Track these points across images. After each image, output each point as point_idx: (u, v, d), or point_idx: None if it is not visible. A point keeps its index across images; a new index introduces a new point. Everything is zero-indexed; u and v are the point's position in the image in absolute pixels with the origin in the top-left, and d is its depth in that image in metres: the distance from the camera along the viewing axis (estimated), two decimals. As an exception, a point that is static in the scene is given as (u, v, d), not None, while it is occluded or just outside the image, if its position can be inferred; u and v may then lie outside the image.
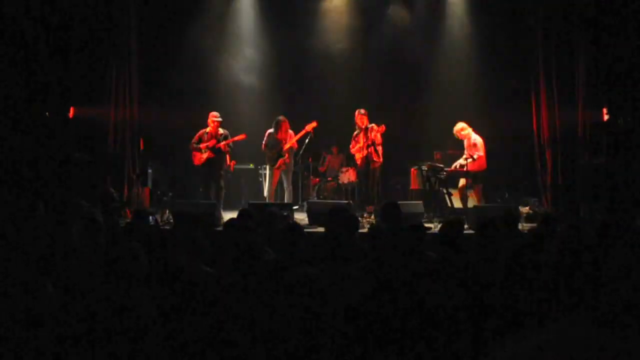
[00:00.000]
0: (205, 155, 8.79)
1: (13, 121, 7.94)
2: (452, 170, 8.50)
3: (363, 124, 8.70)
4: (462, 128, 8.56)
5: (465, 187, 8.55)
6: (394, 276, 2.66)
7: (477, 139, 8.48)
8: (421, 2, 10.93)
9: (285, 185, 9.17)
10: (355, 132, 8.89)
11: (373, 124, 8.67)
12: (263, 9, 11.03)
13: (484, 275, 3.69)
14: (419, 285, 2.71)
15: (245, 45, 10.99)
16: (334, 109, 10.47)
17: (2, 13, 7.78)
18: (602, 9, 8.48)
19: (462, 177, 8.54)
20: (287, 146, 8.95)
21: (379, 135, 8.62)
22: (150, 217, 6.62)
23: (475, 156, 8.35)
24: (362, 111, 8.76)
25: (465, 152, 8.54)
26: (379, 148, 8.67)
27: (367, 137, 8.59)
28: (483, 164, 8.44)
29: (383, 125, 8.57)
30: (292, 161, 9.23)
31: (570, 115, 8.92)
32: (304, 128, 9.02)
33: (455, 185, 8.70)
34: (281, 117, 9.00)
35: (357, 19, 10.99)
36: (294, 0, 10.99)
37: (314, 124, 8.95)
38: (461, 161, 8.54)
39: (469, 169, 8.40)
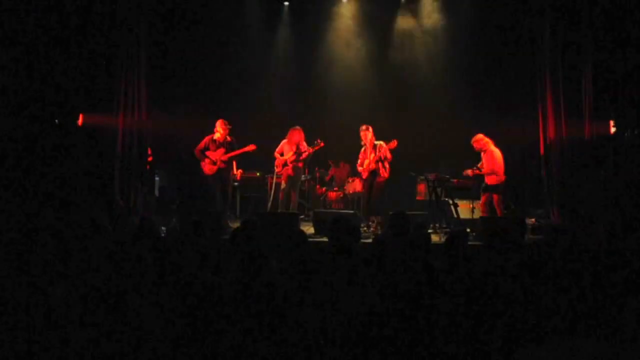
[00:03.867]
0: (216, 166, 8.85)
1: (22, 128, 8.00)
2: (466, 175, 8.52)
3: (367, 139, 8.68)
4: (480, 138, 8.57)
5: (486, 200, 8.51)
6: (399, 286, 2.66)
7: (495, 151, 8.49)
8: (428, 12, 10.97)
9: (290, 194, 9.21)
10: (362, 150, 8.86)
11: (381, 142, 8.65)
12: (271, 18, 11.11)
13: (489, 287, 3.68)
14: (424, 296, 2.71)
15: (254, 54, 11.06)
16: (340, 120, 10.54)
17: (13, 20, 7.86)
18: (611, 18, 8.47)
19: (481, 190, 8.55)
20: (286, 158, 9.00)
21: (389, 152, 8.60)
22: (160, 227, 6.66)
23: (495, 169, 8.40)
24: (363, 127, 8.73)
25: (482, 161, 8.55)
26: (387, 164, 8.67)
27: (376, 154, 8.57)
28: (502, 176, 8.44)
29: (395, 141, 8.55)
30: (300, 172, 9.24)
31: (577, 127, 8.88)
32: (315, 143, 9.05)
33: (463, 196, 8.72)
34: (295, 127, 9.07)
35: (365, 29, 11.05)
36: (303, 9, 11.05)
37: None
38: (469, 171, 8.55)
39: (487, 182, 8.42)
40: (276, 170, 9.17)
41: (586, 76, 8.77)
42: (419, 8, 11.04)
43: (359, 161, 8.92)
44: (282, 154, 9.09)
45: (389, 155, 8.55)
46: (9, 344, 2.00)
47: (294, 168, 9.04)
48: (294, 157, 8.99)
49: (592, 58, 8.68)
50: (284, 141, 9.12)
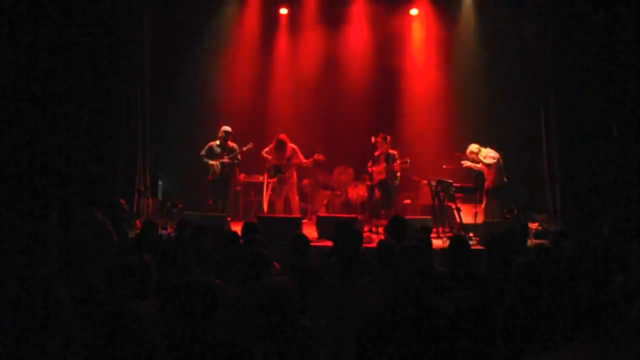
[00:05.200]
0: (219, 169, 8.91)
1: (27, 131, 8.01)
2: (460, 185, 8.61)
3: (383, 149, 8.78)
4: (474, 150, 8.69)
5: (487, 204, 8.60)
6: (405, 291, 2.66)
7: (489, 153, 8.56)
8: (431, 18, 10.98)
9: (289, 199, 9.28)
10: (377, 154, 8.93)
11: (395, 152, 8.77)
12: (272, 24, 11.16)
13: (492, 291, 3.68)
14: (429, 300, 2.70)
15: (256, 58, 11.09)
16: (343, 124, 10.56)
17: (23, 25, 7.88)
18: (613, 21, 8.47)
19: (484, 194, 8.64)
20: (278, 164, 9.14)
21: (398, 163, 8.73)
22: (163, 230, 6.67)
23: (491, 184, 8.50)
24: (379, 139, 8.87)
25: (481, 166, 8.68)
26: (398, 174, 8.84)
27: (388, 164, 8.66)
28: (495, 179, 8.50)
29: (407, 161, 8.72)
30: (294, 175, 9.33)
31: (580, 130, 8.87)
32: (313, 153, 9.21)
33: (466, 201, 8.75)
34: (280, 136, 9.13)
35: (369, 34, 11.06)
36: (307, 15, 11.08)
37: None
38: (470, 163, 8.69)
39: (488, 185, 8.52)
40: (267, 174, 9.27)
41: (588, 77, 8.76)
42: (422, 14, 11.06)
43: (370, 162, 9.03)
44: (270, 154, 9.20)
45: (397, 167, 8.66)
46: (8, 347, 2.00)
47: (289, 175, 9.13)
48: (287, 165, 9.07)
49: (596, 61, 8.67)
50: (272, 145, 9.16)
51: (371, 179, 9.11)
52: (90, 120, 8.68)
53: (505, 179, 8.63)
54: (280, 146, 9.05)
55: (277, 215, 9.05)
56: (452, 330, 2.59)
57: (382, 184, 8.84)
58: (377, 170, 8.88)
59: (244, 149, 9.06)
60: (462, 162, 8.76)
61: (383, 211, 8.85)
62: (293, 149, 9.17)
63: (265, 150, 9.25)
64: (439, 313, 2.63)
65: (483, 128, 9.54)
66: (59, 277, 3.14)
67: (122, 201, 8.50)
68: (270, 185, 9.36)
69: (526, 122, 9.81)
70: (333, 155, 10.27)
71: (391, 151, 8.84)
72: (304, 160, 9.16)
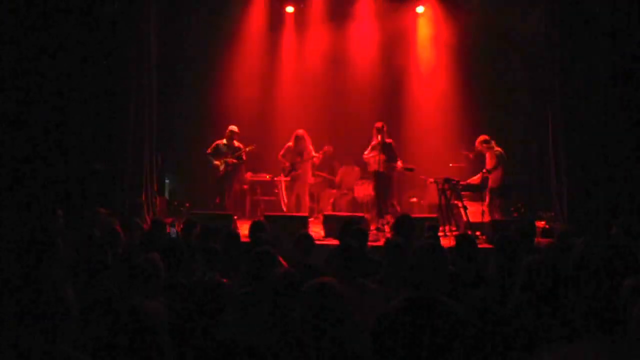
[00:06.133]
0: (222, 167, 8.99)
1: (34, 131, 8.05)
2: (466, 183, 8.60)
3: (380, 139, 8.72)
4: (483, 139, 8.64)
5: (490, 202, 8.59)
6: (414, 290, 2.67)
7: (497, 150, 8.56)
8: (437, 16, 10.96)
9: (300, 197, 9.31)
10: (374, 143, 8.89)
11: (392, 142, 8.74)
12: (278, 22, 11.17)
13: (501, 289, 3.68)
14: (443, 301, 2.71)
15: (262, 57, 11.11)
16: (348, 121, 10.56)
17: (29, 26, 7.93)
18: (622, 19, 8.42)
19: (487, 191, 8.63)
20: (294, 162, 9.17)
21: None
22: (171, 229, 6.70)
23: (490, 170, 8.45)
24: (378, 125, 8.79)
25: (487, 161, 8.63)
26: (398, 164, 8.78)
27: (387, 154, 8.65)
28: (499, 178, 8.49)
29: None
30: (308, 174, 9.35)
31: (588, 128, 8.82)
32: (323, 150, 9.21)
33: (472, 199, 8.74)
34: (299, 132, 9.15)
35: (375, 31, 11.05)
36: (313, 13, 11.08)
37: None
38: (475, 178, 8.67)
39: (491, 184, 8.48)
40: (282, 174, 9.31)
41: (597, 76, 8.70)
42: (428, 11, 11.04)
43: (367, 150, 8.91)
44: (285, 156, 9.22)
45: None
46: (15, 347, 2.01)
47: (303, 171, 9.13)
48: (301, 161, 9.09)
49: (604, 57, 8.62)
50: (289, 144, 9.21)
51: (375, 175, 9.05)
52: (97, 120, 8.72)
53: (508, 177, 8.59)
54: (300, 141, 9.07)
55: (284, 213, 9.08)
56: (463, 330, 2.59)
57: (379, 178, 8.75)
58: (373, 160, 8.84)
59: (247, 149, 9.12)
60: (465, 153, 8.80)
61: (389, 211, 8.82)
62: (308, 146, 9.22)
63: (280, 153, 9.29)
64: (451, 313, 2.63)
65: (490, 126, 9.50)
66: (66, 276, 3.16)
67: (143, 201, 8.57)
68: (283, 183, 9.42)
69: (533, 120, 9.77)
70: (339, 153, 10.28)
71: (388, 141, 8.79)
72: (315, 154, 9.16)
